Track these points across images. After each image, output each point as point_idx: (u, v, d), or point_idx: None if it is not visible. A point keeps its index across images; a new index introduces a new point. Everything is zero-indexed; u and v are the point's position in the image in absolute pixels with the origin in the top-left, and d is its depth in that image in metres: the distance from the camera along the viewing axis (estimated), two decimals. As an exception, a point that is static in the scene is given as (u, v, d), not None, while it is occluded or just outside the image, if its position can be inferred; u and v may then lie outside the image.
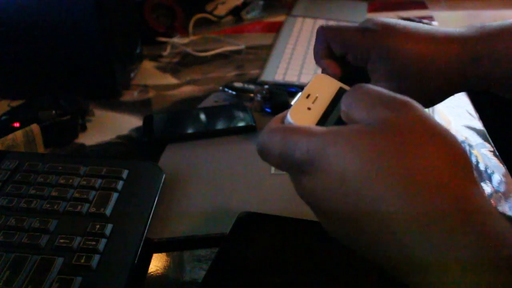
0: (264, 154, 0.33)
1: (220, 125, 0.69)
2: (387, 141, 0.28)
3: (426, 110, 0.31)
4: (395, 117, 0.29)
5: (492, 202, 0.56)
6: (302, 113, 0.35)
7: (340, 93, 0.37)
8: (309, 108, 0.35)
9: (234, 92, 0.79)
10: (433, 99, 0.48)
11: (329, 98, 0.36)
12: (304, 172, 0.31)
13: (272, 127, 0.34)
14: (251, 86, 0.79)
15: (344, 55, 0.48)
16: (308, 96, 0.36)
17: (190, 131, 0.68)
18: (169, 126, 0.70)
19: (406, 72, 0.46)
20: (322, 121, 0.35)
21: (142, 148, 0.67)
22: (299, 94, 0.36)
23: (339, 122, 0.33)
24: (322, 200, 0.30)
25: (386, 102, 0.30)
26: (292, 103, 0.37)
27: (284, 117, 0.35)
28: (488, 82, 0.46)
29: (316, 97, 0.36)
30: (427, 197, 0.26)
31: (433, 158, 0.27)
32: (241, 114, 0.71)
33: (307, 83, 0.37)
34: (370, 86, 0.32)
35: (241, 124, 0.69)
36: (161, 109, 0.77)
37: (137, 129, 0.71)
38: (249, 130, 0.68)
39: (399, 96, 0.30)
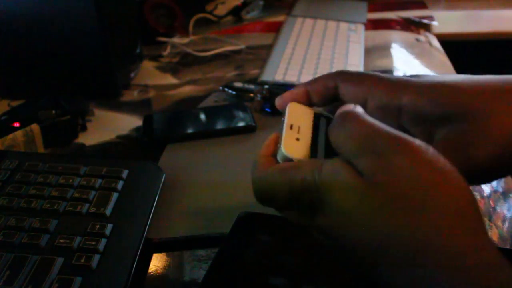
0: (270, 196, 0.33)
1: (220, 125, 0.69)
2: (385, 196, 0.28)
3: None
4: (387, 168, 0.28)
5: (491, 202, 0.56)
6: (294, 145, 0.34)
7: (316, 118, 0.37)
8: (297, 139, 0.35)
9: (234, 92, 0.79)
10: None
11: (310, 125, 0.36)
12: (315, 209, 0.31)
13: (269, 167, 0.33)
14: (251, 86, 0.79)
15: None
16: (291, 127, 0.35)
17: (190, 131, 0.68)
18: (169, 126, 0.70)
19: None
20: (313, 151, 0.35)
21: (142, 148, 0.67)
22: (283, 126, 0.36)
23: (329, 148, 0.33)
24: (337, 234, 0.31)
25: (377, 145, 0.29)
26: (281, 139, 0.35)
27: (272, 153, 0.35)
28: None
29: (299, 127, 0.36)
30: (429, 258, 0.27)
31: (435, 218, 0.27)
32: (241, 114, 0.71)
33: (284, 113, 0.37)
34: (358, 117, 0.31)
35: (241, 124, 0.69)
36: (161, 109, 0.77)
37: (137, 129, 0.71)
38: (249, 130, 0.68)
39: (392, 135, 0.29)
